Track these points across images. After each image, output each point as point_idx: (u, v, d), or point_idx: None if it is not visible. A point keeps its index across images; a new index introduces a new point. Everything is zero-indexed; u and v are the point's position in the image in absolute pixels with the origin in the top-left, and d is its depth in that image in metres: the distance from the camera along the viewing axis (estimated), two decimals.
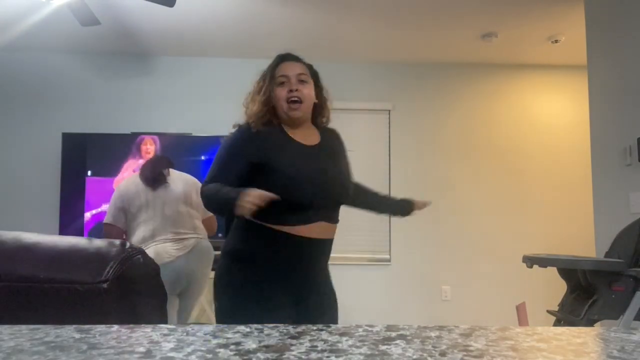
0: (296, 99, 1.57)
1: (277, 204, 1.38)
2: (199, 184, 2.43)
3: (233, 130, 1.65)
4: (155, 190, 2.62)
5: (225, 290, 1.53)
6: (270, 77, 1.62)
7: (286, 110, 1.58)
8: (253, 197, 1.33)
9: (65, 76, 4.46)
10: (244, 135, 1.59)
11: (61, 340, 0.45)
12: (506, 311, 4.18)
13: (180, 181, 2.70)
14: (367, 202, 1.86)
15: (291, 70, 1.61)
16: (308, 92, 1.61)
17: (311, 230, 1.49)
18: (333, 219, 1.58)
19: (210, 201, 1.54)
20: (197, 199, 2.58)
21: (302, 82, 1.60)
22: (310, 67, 1.71)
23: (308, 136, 1.64)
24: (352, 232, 3.93)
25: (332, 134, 1.79)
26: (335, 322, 1.64)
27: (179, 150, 4.21)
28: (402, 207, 1.86)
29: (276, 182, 1.46)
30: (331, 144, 1.72)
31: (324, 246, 1.57)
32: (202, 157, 4.22)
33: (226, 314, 1.51)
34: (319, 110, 1.72)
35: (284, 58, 1.67)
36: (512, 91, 4.63)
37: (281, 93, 1.58)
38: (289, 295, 1.50)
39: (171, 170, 2.73)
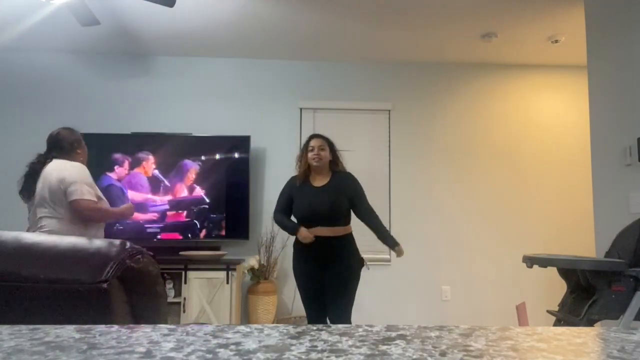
0: (316, 157, 2.85)
1: (298, 219, 2.89)
2: (58, 176, 2.45)
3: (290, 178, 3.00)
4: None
5: (294, 258, 2.94)
6: (305, 148, 2.92)
7: (312, 163, 2.87)
8: (305, 236, 2.79)
9: (65, 76, 4.46)
10: (289, 182, 2.98)
11: (61, 340, 0.45)
12: (506, 311, 4.18)
13: (42, 177, 2.54)
14: (372, 226, 2.93)
15: (315, 143, 2.89)
16: (324, 154, 2.88)
17: (314, 232, 2.80)
18: (331, 224, 2.80)
19: (280, 225, 2.94)
20: (47, 193, 2.46)
21: (321, 149, 2.88)
22: (327, 140, 2.94)
23: (320, 180, 2.90)
24: (353, 232, 3.92)
25: (342, 176, 2.93)
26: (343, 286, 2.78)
27: (179, 150, 4.22)
28: (390, 242, 2.91)
29: (295, 208, 2.91)
30: (334, 184, 2.87)
31: (327, 240, 2.80)
32: (202, 157, 4.22)
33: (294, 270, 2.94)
34: (334, 163, 2.94)
35: (313, 137, 2.94)
36: (512, 91, 4.63)
37: (310, 155, 2.88)
38: (315, 260, 2.82)
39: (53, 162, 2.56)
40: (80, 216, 2.51)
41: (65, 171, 2.49)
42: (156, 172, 4.19)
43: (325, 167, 2.90)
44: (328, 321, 2.78)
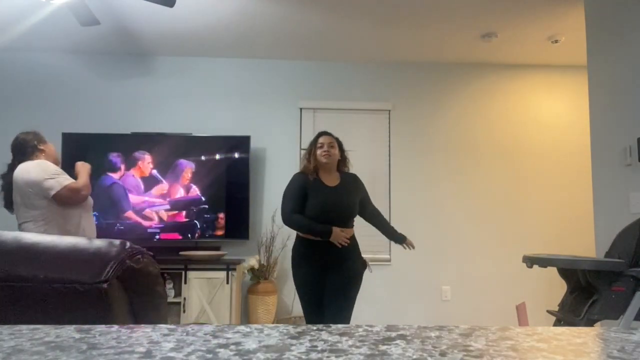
0: (326, 154, 2.76)
1: (312, 218, 2.69)
2: (24, 179, 2.48)
3: (295, 174, 2.86)
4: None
5: (293, 263, 2.82)
6: (313, 145, 2.82)
7: (321, 160, 2.76)
8: (340, 237, 2.67)
9: (65, 76, 4.46)
10: (300, 179, 2.79)
11: (61, 340, 0.45)
12: (506, 311, 4.18)
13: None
14: (379, 226, 3.02)
15: (325, 140, 2.81)
16: (334, 152, 2.80)
17: (349, 233, 2.74)
18: (344, 226, 2.72)
19: (300, 227, 2.73)
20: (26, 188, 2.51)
21: (331, 147, 2.79)
22: (336, 138, 2.86)
23: (331, 180, 2.80)
24: None
25: (350, 177, 2.89)
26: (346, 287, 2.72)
27: (179, 150, 4.22)
28: (397, 238, 3.00)
29: (310, 206, 2.70)
30: (346, 185, 2.82)
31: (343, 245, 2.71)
32: (202, 157, 4.22)
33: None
34: (342, 163, 2.88)
35: (322, 134, 2.86)
36: (512, 91, 4.63)
37: (319, 152, 2.78)
38: (318, 265, 2.72)
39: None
40: (72, 202, 2.56)
41: (28, 173, 2.52)
42: (155, 172, 4.19)
43: (334, 166, 2.82)
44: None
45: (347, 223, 2.76)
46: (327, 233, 2.63)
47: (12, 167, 2.64)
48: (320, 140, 2.81)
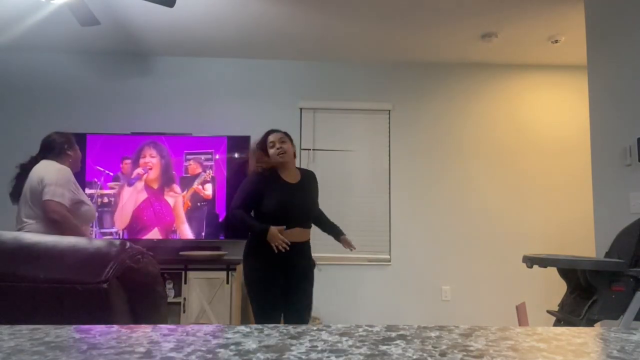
0: (280, 152, 2.60)
1: (270, 216, 2.53)
2: (39, 175, 2.46)
3: (252, 173, 2.66)
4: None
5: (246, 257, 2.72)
6: (261, 146, 2.64)
7: (277, 159, 2.59)
8: (277, 239, 2.47)
9: (65, 76, 4.46)
10: (257, 179, 2.61)
11: (61, 340, 0.45)
12: (506, 311, 4.18)
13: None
14: (322, 224, 2.84)
15: (275, 138, 2.64)
16: (287, 147, 2.63)
17: (290, 234, 2.52)
18: (302, 226, 2.60)
19: (241, 223, 2.61)
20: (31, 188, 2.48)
21: (282, 142, 2.63)
22: (285, 133, 2.69)
23: (292, 176, 2.65)
24: (352, 233, 3.90)
25: (310, 175, 2.75)
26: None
27: (179, 150, 4.22)
28: (337, 233, 2.78)
29: (269, 205, 2.55)
30: (306, 182, 2.69)
31: (299, 244, 2.59)
32: (202, 157, 4.22)
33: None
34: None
35: (269, 132, 2.68)
36: (512, 91, 4.63)
37: (272, 151, 2.61)
38: (273, 264, 2.56)
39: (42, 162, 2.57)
40: (46, 217, 2.46)
41: (47, 172, 2.50)
42: (156, 172, 4.19)
43: (292, 162, 2.68)
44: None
45: (306, 223, 2.63)
46: (264, 232, 2.46)
47: (34, 160, 2.62)
48: (270, 138, 2.63)
